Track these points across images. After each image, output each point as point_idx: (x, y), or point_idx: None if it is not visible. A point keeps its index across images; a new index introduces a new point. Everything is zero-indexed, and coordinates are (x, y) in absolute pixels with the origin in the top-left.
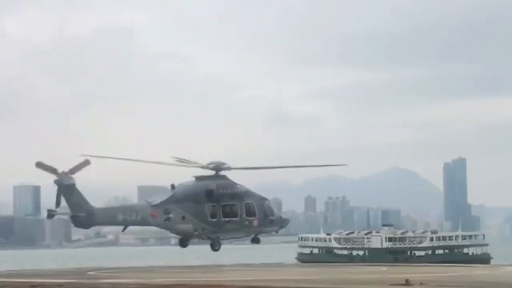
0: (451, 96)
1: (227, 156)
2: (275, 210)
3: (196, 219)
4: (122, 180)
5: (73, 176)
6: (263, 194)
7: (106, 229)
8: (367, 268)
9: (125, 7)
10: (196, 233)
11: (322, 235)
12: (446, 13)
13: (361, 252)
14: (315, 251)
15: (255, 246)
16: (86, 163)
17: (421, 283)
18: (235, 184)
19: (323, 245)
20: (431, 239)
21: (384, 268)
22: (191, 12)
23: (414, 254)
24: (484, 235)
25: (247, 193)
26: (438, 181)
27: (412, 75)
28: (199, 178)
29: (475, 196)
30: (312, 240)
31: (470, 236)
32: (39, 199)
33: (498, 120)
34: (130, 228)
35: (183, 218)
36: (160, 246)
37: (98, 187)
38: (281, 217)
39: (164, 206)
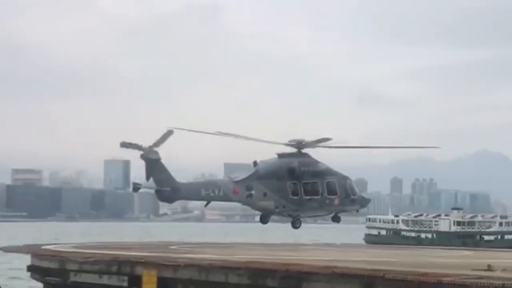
0: None
1: (314, 135)
2: (357, 189)
3: (278, 196)
4: (209, 157)
5: (157, 149)
6: (347, 174)
7: (192, 204)
8: (446, 252)
9: None
10: (277, 210)
11: (390, 216)
12: None
13: (429, 235)
14: (383, 232)
15: (326, 225)
16: (169, 133)
17: (503, 269)
18: (317, 162)
19: (390, 227)
20: (500, 224)
21: (467, 253)
22: None
23: (483, 238)
24: None
25: (329, 171)
26: None
27: (504, 55)
28: (281, 155)
29: None
30: (380, 221)
31: None
32: (129, 173)
33: None
34: (216, 204)
35: (264, 194)
36: (245, 223)
37: (187, 164)
38: (362, 197)
39: (246, 183)
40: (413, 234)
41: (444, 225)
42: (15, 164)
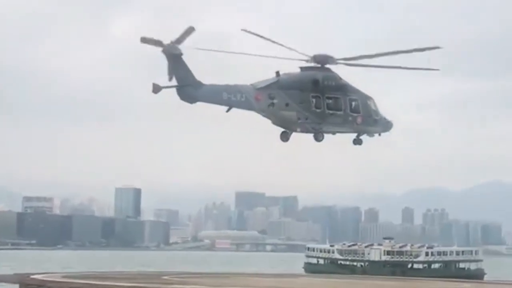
0: None
1: (329, 164)
2: (379, 110)
3: (300, 107)
4: (220, 185)
5: (179, 46)
6: (360, 204)
7: (203, 233)
8: (369, 280)
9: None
10: (299, 121)
11: (327, 246)
12: None
13: (362, 264)
14: (321, 261)
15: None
16: (191, 30)
17: None
18: (340, 77)
19: (327, 256)
20: (427, 253)
21: (389, 282)
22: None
23: (412, 267)
24: (478, 251)
25: (352, 89)
26: None
27: None
28: (304, 69)
29: None
30: (317, 250)
31: (464, 252)
32: (140, 201)
33: None
34: (227, 232)
35: (287, 105)
36: (255, 252)
37: (198, 192)
38: (385, 119)
39: (268, 91)
40: (348, 263)
41: (375, 255)
42: (26, 192)
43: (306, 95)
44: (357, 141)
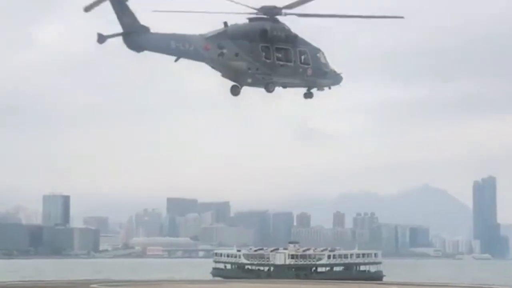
0: (482, 114)
1: (260, 169)
2: (329, 63)
3: (250, 57)
4: (152, 191)
5: None
6: (292, 209)
7: (134, 240)
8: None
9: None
10: (249, 71)
11: (234, 251)
12: (488, 32)
13: (267, 268)
14: (228, 266)
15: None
16: None
17: None
18: (289, 28)
19: (234, 261)
20: (329, 257)
21: (292, 285)
22: None
23: (316, 270)
24: (377, 254)
25: (302, 41)
26: (468, 199)
27: (446, 93)
28: (252, 20)
29: (504, 216)
30: (225, 256)
31: (364, 255)
32: (69, 209)
33: None
34: (158, 239)
35: (236, 55)
36: (187, 259)
37: (129, 199)
38: (335, 72)
39: (217, 41)
40: (254, 268)
41: (280, 259)
42: None
43: (255, 45)
44: (308, 95)
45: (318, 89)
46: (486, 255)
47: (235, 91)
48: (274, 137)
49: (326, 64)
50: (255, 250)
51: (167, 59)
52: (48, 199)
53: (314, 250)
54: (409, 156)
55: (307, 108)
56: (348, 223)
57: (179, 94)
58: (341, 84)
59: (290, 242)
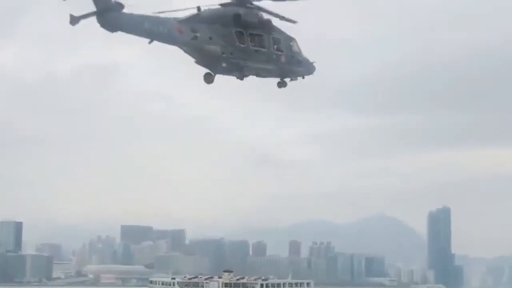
0: (438, 145)
1: (216, 197)
2: (302, 52)
3: (224, 41)
4: (106, 219)
5: None
6: (248, 237)
7: (87, 268)
8: None
9: (108, 46)
10: (223, 55)
11: (168, 279)
12: (440, 62)
13: None
14: None
15: None
16: None
17: None
18: (262, 15)
19: None
20: (262, 285)
21: None
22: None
23: None
24: (310, 283)
25: (275, 28)
26: (423, 229)
27: (401, 123)
28: (225, 5)
29: (459, 246)
30: (159, 283)
31: (297, 284)
32: (21, 235)
33: (483, 170)
34: (112, 267)
35: (210, 38)
36: (141, 287)
37: (83, 226)
38: (308, 60)
39: (190, 24)
40: None
41: (214, 287)
42: None
43: (229, 30)
44: (282, 84)
45: (291, 79)
46: (440, 286)
47: (208, 78)
48: (229, 163)
49: (299, 53)
50: (190, 278)
51: (122, 85)
52: (0, 225)
53: (247, 279)
54: (365, 184)
55: (263, 135)
56: (304, 252)
57: (134, 120)
58: (313, 73)
59: (225, 271)
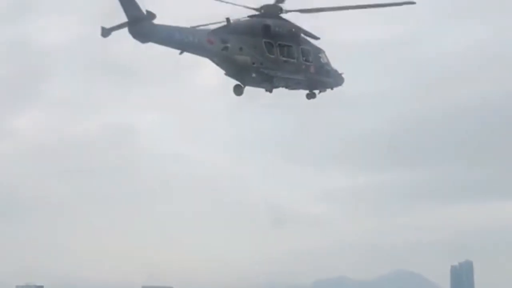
0: (457, 199)
1: (231, 257)
2: (331, 63)
3: (254, 52)
4: (127, 280)
5: None
6: None
7: None
8: None
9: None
10: (254, 65)
11: None
12: (457, 113)
13: None
14: None
15: None
16: None
17: None
18: (292, 24)
19: None
20: None
21: None
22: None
23: None
24: None
25: (303, 39)
26: (445, 284)
27: (418, 177)
28: (254, 16)
29: None
30: None
31: None
32: None
33: (505, 222)
34: None
35: (240, 49)
36: None
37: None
38: (337, 71)
39: (221, 35)
40: None
41: None
42: None
43: (259, 40)
44: (311, 95)
45: (320, 91)
46: None
47: (238, 90)
48: (245, 222)
49: (328, 64)
50: None
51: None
52: None
53: None
54: (383, 240)
55: (279, 192)
56: None
57: (153, 180)
58: (343, 85)
59: None
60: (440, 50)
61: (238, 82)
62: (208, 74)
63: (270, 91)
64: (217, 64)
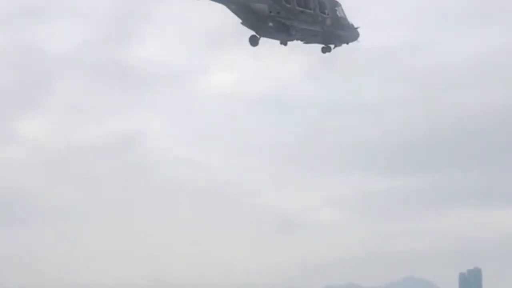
0: (466, 205)
1: (239, 263)
2: (347, 17)
3: (271, 0)
4: None
5: None
6: None
7: None
8: None
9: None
10: (271, 13)
11: None
12: (467, 118)
13: None
14: None
15: None
16: None
17: None
18: None
19: None
20: None
21: None
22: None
23: None
24: None
25: None
26: None
27: (428, 184)
28: None
29: None
30: None
31: None
32: None
33: None
34: None
35: None
36: None
37: None
38: (353, 25)
39: None
40: None
41: None
42: None
43: None
44: (326, 49)
45: (335, 46)
46: None
47: (254, 41)
48: (252, 229)
49: (344, 17)
50: None
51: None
52: None
53: None
54: (392, 247)
55: (287, 199)
56: None
57: (160, 188)
58: (359, 40)
59: None
60: (445, 58)
61: (253, 33)
62: (214, 80)
63: (285, 44)
64: (234, 12)
